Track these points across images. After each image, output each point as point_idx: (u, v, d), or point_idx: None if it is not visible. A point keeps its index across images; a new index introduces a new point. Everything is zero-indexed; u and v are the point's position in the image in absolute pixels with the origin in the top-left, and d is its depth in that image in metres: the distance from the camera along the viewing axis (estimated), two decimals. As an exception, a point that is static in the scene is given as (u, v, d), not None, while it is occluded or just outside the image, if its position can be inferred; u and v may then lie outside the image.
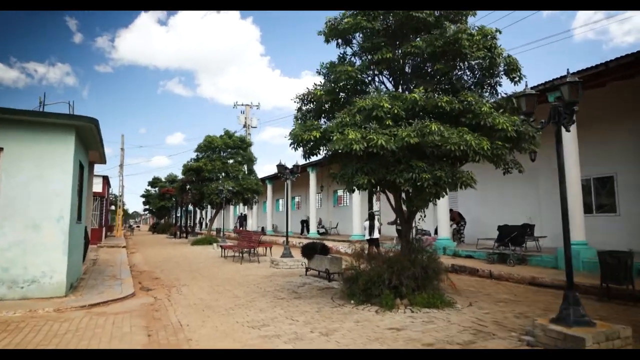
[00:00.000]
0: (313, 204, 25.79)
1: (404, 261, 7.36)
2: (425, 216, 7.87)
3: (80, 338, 5.53)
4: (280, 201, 39.57)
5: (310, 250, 10.73)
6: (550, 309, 6.78)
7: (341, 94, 7.76)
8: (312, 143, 7.40)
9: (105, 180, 24.14)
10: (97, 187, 22.84)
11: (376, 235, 14.45)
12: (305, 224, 26.87)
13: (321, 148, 7.67)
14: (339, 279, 10.09)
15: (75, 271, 9.22)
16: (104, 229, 25.44)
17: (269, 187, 32.37)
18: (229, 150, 24.91)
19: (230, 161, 24.70)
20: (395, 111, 6.49)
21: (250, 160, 25.25)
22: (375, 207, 27.32)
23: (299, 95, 8.05)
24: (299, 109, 8.25)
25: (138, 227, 76.36)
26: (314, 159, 8.54)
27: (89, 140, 9.37)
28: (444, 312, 6.83)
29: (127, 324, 6.30)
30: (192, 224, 36.41)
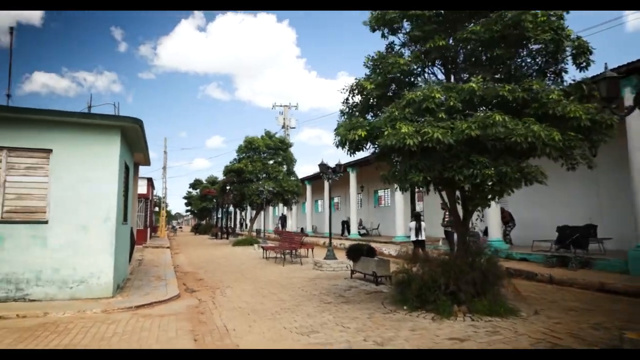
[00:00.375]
0: (354, 204, 25.35)
1: (461, 265, 6.83)
2: (482, 216, 7.30)
3: (127, 341, 5.37)
4: (319, 202, 39.34)
5: (356, 252, 10.33)
6: (632, 320, 6.08)
7: (391, 86, 7.30)
8: (357, 141, 6.97)
9: (150, 182, 24.67)
10: (142, 188, 23.34)
11: (423, 236, 13.87)
12: (345, 224, 26.46)
13: (367, 145, 7.24)
14: (386, 282, 9.65)
15: (121, 272, 9.22)
16: (148, 229, 26.01)
17: (308, 188, 32.20)
18: (269, 151, 24.86)
19: (271, 162, 24.64)
20: (451, 103, 5.99)
21: (291, 161, 25.09)
22: (418, 207, 26.55)
23: (346, 87, 7.67)
24: (346, 101, 7.86)
25: (180, 228, 78.37)
26: (359, 155, 8.11)
27: (133, 141, 9.37)
28: (508, 321, 6.25)
29: (173, 327, 6.12)
30: (232, 225, 36.76)
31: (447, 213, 14.80)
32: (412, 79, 7.38)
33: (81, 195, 7.71)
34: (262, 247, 16.73)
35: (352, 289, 9.28)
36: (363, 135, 6.44)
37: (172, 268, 12.97)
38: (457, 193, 7.46)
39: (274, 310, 7.25)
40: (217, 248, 23.11)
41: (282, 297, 8.49)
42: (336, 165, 12.97)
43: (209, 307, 7.63)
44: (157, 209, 42.22)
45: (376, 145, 6.54)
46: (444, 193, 7.63)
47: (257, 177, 24.29)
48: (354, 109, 7.86)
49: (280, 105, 32.32)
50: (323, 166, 12.78)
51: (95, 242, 7.74)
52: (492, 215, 14.88)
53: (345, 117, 7.86)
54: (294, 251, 14.95)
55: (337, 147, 6.98)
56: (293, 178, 25.21)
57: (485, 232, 17.13)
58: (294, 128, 31.98)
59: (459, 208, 7.64)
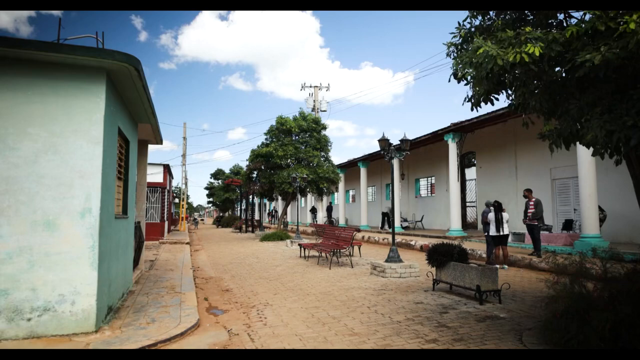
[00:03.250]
0: (397, 193, 22.28)
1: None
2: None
3: None
4: (350, 192, 36.40)
5: (442, 256, 7.36)
6: None
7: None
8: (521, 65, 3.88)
9: (167, 169, 21.90)
10: (158, 176, 20.79)
11: (506, 230, 10.84)
12: (386, 217, 23.41)
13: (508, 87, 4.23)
14: (494, 299, 6.70)
15: (116, 286, 6.49)
16: (166, 223, 23.42)
17: (341, 177, 29.26)
18: (302, 133, 21.67)
19: (303, 146, 21.51)
20: None
21: (326, 144, 21.94)
22: (468, 196, 23.29)
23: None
24: (460, 28, 4.83)
25: (202, 220, 76.64)
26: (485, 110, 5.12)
27: (131, 99, 6.57)
28: None
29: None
30: (259, 217, 34.05)
31: (531, 203, 11.69)
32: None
33: (43, 175, 4.95)
34: (300, 245, 13.87)
35: (448, 310, 6.32)
36: (537, 54, 3.43)
37: (190, 273, 10.25)
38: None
39: None
40: (243, 244, 20.40)
41: (351, 325, 5.60)
42: (401, 140, 9.90)
43: (245, 347, 4.80)
44: (177, 200, 39.96)
45: (575, 66, 3.43)
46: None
47: (287, 164, 21.26)
48: (473, 37, 4.82)
49: (310, 86, 29.24)
50: (384, 142, 9.72)
51: (66, 247, 4.98)
52: (586, 204, 11.64)
53: (457, 53, 4.83)
54: (337, 250, 12.00)
55: (470, 84, 4.00)
56: (329, 164, 22.09)
57: (567, 226, 13.94)
58: (324, 111, 28.88)
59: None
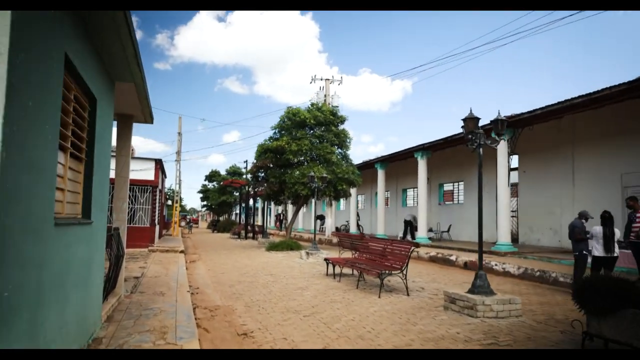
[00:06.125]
0: (423, 199, 19.43)
1: None
2: None
3: None
4: (360, 197, 33.50)
5: (611, 298, 4.47)
6: None
7: None
8: None
9: (159, 165, 18.78)
10: (149, 173, 17.81)
11: (616, 251, 8.08)
12: (409, 225, 20.54)
13: None
14: None
15: (63, 344, 3.58)
16: (156, 227, 20.36)
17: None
18: (317, 127, 18.58)
19: (318, 141, 18.48)
20: None
21: (344, 140, 18.97)
22: (513, 204, 20.53)
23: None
24: None
25: (196, 224, 73.52)
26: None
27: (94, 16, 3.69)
28: None
29: None
30: (261, 222, 31.06)
31: (638, 214, 8.93)
32: None
33: None
34: (327, 260, 10.94)
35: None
36: None
37: (188, 299, 7.37)
38: None
39: None
40: (248, 254, 17.43)
41: None
42: (494, 121, 6.95)
43: None
44: (170, 202, 36.90)
45: None
46: None
47: (299, 161, 18.26)
48: None
49: (321, 79, 26.43)
50: (473, 121, 6.74)
51: None
52: None
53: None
54: (382, 272, 9.00)
55: None
56: (348, 163, 19.12)
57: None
58: (337, 107, 25.98)
59: None
